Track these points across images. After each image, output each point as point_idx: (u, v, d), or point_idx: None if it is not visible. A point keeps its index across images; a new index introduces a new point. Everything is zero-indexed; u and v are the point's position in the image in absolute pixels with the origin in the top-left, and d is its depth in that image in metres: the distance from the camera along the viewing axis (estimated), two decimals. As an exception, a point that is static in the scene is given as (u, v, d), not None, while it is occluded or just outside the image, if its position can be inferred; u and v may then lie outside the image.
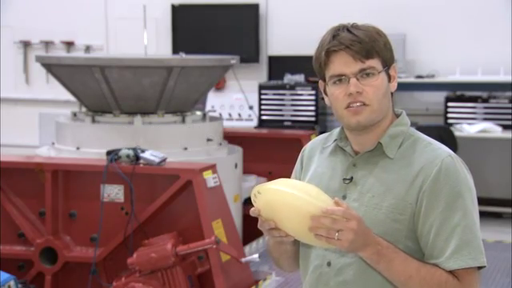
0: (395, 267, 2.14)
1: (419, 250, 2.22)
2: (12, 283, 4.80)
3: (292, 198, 2.05)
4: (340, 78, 2.21)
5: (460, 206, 2.18)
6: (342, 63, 2.20)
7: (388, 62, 2.26)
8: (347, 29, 2.22)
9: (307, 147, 2.48)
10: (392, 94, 2.31)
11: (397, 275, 2.15)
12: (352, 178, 2.29)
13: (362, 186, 2.26)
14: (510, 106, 8.42)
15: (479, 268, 2.20)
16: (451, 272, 2.16)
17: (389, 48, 2.27)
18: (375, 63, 2.21)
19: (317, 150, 2.43)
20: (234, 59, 6.86)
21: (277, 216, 2.08)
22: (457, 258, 2.15)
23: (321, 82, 2.30)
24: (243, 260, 5.20)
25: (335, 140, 2.37)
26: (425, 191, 2.19)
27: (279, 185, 2.09)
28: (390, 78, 2.28)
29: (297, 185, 2.11)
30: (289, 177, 2.50)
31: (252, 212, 2.13)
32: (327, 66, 2.23)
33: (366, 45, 2.19)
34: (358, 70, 2.19)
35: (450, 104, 8.63)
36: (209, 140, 6.55)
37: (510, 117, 8.38)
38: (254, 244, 6.64)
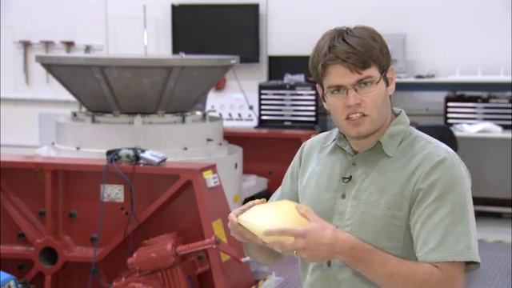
0: (374, 268, 2.14)
1: None
2: (12, 283, 4.80)
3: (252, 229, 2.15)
4: (338, 89, 2.21)
5: (450, 200, 2.16)
6: (339, 75, 2.19)
7: (385, 66, 2.24)
8: (343, 38, 2.19)
9: (306, 144, 2.48)
10: (390, 95, 2.31)
11: (377, 276, 2.15)
12: (351, 176, 2.29)
13: (361, 184, 2.27)
14: (509, 105, 8.42)
15: (468, 264, 2.16)
16: (435, 265, 2.13)
17: (385, 52, 2.24)
18: (372, 72, 2.20)
19: (316, 149, 2.43)
20: (234, 59, 6.86)
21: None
22: (441, 250, 2.13)
23: (319, 87, 2.29)
24: (243, 260, 5.20)
25: (334, 140, 2.37)
26: (419, 184, 2.19)
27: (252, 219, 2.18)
28: (387, 81, 2.26)
29: (267, 215, 2.17)
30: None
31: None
32: (324, 76, 2.22)
33: (363, 56, 2.17)
34: (356, 81, 2.19)
35: (449, 104, 8.64)
36: (209, 140, 6.55)
37: (509, 117, 8.39)
38: (253, 244, 6.63)
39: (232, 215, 2.21)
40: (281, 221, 2.12)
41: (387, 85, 2.25)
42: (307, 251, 2.09)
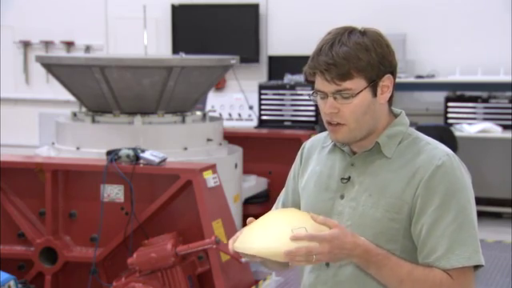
0: (385, 273, 2.15)
1: (417, 249, 2.22)
2: (12, 283, 4.80)
3: (265, 253, 2.10)
4: (322, 94, 2.23)
5: (454, 205, 2.17)
6: (320, 82, 2.22)
7: (377, 76, 2.21)
8: (331, 45, 2.18)
9: (307, 144, 2.49)
10: (391, 98, 2.27)
11: (388, 280, 2.16)
12: (350, 177, 2.29)
13: (360, 185, 2.27)
14: (509, 105, 8.42)
15: (476, 267, 2.18)
16: (446, 271, 2.15)
17: (377, 63, 2.20)
18: (353, 84, 2.18)
19: (316, 149, 2.44)
20: (234, 59, 6.86)
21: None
22: (449, 257, 2.14)
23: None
24: (243, 260, 5.19)
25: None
26: (420, 190, 2.19)
27: (250, 242, 2.13)
28: (377, 91, 2.22)
29: (264, 235, 2.13)
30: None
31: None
32: (312, 79, 2.25)
33: (342, 68, 2.16)
34: (335, 91, 2.20)
35: (450, 104, 8.64)
36: (209, 140, 6.55)
37: (510, 117, 8.39)
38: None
39: (230, 245, 2.18)
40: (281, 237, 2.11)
41: (375, 95, 2.23)
42: (330, 255, 2.08)
